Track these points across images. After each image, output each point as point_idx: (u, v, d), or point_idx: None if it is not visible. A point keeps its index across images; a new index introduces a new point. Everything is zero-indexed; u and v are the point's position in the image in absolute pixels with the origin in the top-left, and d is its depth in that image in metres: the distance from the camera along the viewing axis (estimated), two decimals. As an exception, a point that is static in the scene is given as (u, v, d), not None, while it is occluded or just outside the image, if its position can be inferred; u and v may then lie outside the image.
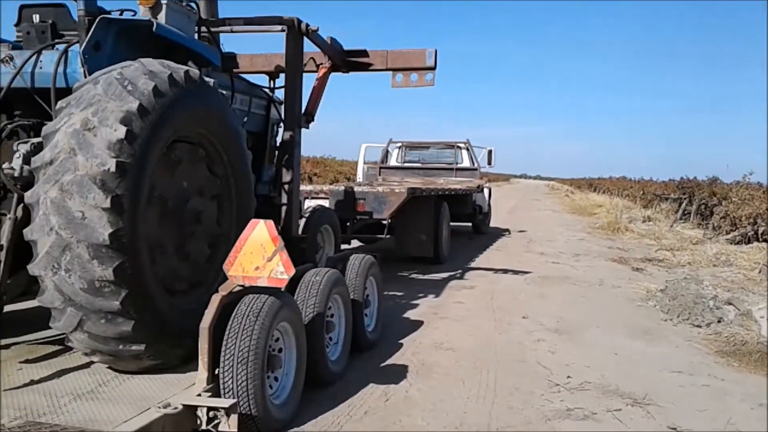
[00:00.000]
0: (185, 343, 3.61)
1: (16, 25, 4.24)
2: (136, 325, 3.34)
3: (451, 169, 14.11)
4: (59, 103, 3.46)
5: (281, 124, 6.29)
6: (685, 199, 19.66)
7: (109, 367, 3.58)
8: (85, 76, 3.61)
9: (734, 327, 6.25)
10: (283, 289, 3.55)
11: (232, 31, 5.74)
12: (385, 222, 8.63)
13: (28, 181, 3.46)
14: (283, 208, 5.92)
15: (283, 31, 5.69)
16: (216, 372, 3.28)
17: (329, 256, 5.75)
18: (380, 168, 14.30)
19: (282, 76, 6.24)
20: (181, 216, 3.93)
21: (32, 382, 3.37)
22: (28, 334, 4.21)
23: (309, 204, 7.73)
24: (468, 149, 14.37)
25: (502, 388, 4.45)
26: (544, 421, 3.90)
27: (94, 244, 3.15)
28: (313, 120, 6.53)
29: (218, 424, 3.01)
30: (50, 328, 3.38)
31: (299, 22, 5.62)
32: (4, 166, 3.60)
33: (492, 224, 16.38)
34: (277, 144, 6.35)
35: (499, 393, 4.36)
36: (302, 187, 7.65)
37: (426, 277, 8.97)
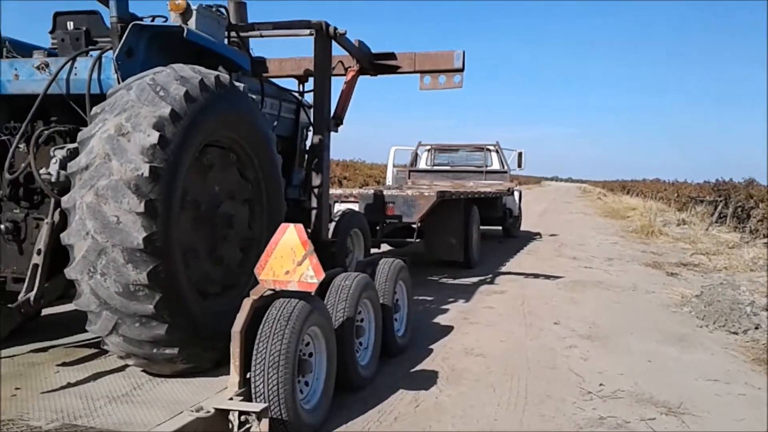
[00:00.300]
0: (218, 346, 3.64)
1: (51, 32, 4.33)
2: (170, 328, 3.37)
3: (481, 172, 14.02)
4: (94, 109, 3.51)
5: (310, 128, 6.32)
6: (720, 201, 19.26)
7: (143, 371, 3.62)
8: (119, 82, 3.66)
9: (773, 334, 6.09)
10: (313, 293, 3.55)
11: (261, 36, 5.79)
12: (414, 226, 8.59)
13: (64, 186, 3.52)
14: (313, 212, 5.94)
15: (311, 35, 5.72)
16: (247, 376, 3.29)
17: (359, 260, 5.75)
18: (409, 171, 14.29)
19: (311, 79, 6.27)
20: (214, 220, 3.96)
21: (69, 385, 3.43)
22: (65, 337, 4.30)
23: (339, 208, 7.75)
24: (498, 152, 14.27)
25: (533, 395, 4.39)
26: (576, 430, 3.84)
27: (129, 248, 3.19)
28: (342, 123, 6.55)
29: (249, 428, 3.02)
30: (86, 331, 3.42)
31: (327, 25, 5.65)
32: (41, 171, 3.67)
33: (523, 228, 16.24)
34: (307, 148, 6.38)
35: (530, 400, 4.30)
36: (332, 191, 7.67)
37: (456, 281, 8.92)
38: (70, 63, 3.91)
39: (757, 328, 6.31)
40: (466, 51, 6.63)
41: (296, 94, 6.50)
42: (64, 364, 3.78)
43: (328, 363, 3.74)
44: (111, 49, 3.84)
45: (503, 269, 10.20)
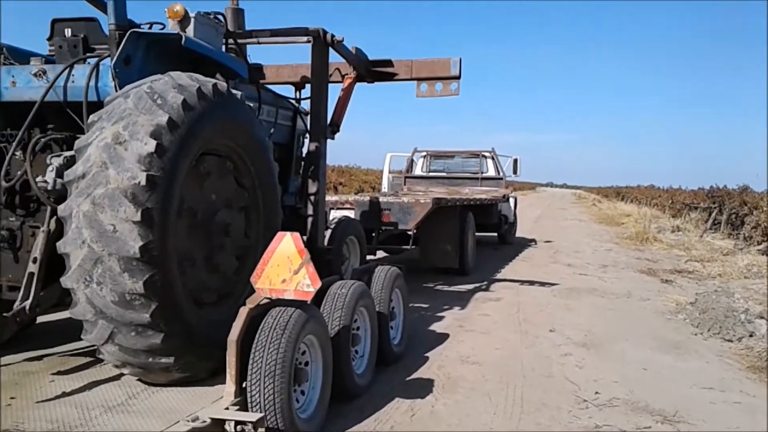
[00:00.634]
0: (214, 355, 3.63)
1: (49, 39, 4.32)
2: (166, 337, 3.37)
3: (476, 178, 14.05)
4: (91, 116, 3.52)
5: (307, 135, 6.33)
6: (715, 208, 19.33)
7: (139, 380, 3.61)
8: (116, 90, 3.66)
9: (767, 341, 6.10)
10: (309, 302, 3.55)
11: (258, 43, 5.80)
12: (410, 233, 8.60)
13: (60, 195, 3.52)
14: (309, 220, 5.94)
15: (308, 42, 5.73)
16: (243, 385, 3.28)
17: (355, 268, 5.75)
18: (405, 177, 14.30)
19: (308, 86, 6.27)
20: (210, 228, 3.96)
21: (64, 394, 3.42)
22: (60, 346, 4.28)
23: (334, 215, 7.74)
24: (493, 158, 14.30)
25: (528, 404, 4.39)
26: (572, 438, 3.85)
27: (125, 257, 3.19)
28: (338, 130, 6.56)
29: (245, 438, 3.01)
30: (82, 339, 3.42)
31: (325, 33, 5.67)
32: (37, 179, 3.67)
33: (518, 234, 16.26)
34: (303, 155, 6.38)
35: (525, 408, 4.30)
36: (328, 198, 7.67)
37: (451, 288, 8.92)
38: (67, 70, 3.91)
39: (751, 336, 6.33)
40: (462, 57, 6.65)
41: (293, 101, 6.51)
42: (59, 373, 3.77)
43: (324, 372, 3.73)
44: (109, 56, 3.84)
45: (498, 276, 10.21)
